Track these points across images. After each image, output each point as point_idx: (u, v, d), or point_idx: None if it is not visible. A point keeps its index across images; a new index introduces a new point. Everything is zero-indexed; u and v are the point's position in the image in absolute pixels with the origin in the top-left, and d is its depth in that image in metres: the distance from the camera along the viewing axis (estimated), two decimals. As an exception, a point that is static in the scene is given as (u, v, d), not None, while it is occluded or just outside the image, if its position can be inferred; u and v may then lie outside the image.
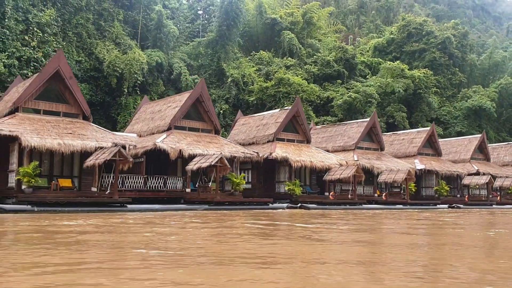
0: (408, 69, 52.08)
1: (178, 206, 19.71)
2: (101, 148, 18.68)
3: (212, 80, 44.07)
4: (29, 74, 30.93)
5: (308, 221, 13.69)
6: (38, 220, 12.38)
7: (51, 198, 16.49)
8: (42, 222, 11.89)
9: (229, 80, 42.27)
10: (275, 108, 42.40)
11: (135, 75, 36.08)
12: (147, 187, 20.88)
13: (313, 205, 23.44)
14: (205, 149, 22.14)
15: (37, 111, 19.59)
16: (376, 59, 57.86)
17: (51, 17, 33.09)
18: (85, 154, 18.94)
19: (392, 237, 9.78)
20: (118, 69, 35.71)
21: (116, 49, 38.11)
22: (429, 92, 52.21)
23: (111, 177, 19.15)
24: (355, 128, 31.64)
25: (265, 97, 43.12)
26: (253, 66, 46.75)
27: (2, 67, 28.63)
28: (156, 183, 21.37)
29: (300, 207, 22.80)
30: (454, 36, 60.95)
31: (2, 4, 29.77)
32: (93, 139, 19.10)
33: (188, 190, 22.03)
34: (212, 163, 19.89)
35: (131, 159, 17.96)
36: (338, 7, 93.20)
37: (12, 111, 18.94)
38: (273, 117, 28.29)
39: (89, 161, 17.93)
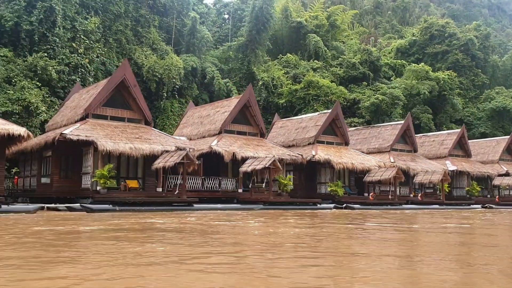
0: (432, 71, 52.83)
1: (234, 206, 20.98)
2: (167, 151, 20.05)
3: (242, 84, 45.35)
4: (77, 80, 32.51)
5: (376, 221, 14.83)
6: (132, 218, 13.67)
7: (130, 198, 17.88)
8: (138, 219, 13.17)
9: (260, 83, 43.51)
10: (305, 110, 43.70)
11: (174, 80, 37.51)
12: (204, 188, 22.19)
13: (357, 205, 24.56)
14: (255, 152, 23.40)
15: (104, 117, 21.03)
16: (399, 61, 58.65)
17: (96, 25, 34.63)
18: (149, 156, 20.29)
19: (485, 238, 10.78)
20: (157, 74, 37.18)
21: (153, 54, 39.58)
22: (453, 93, 52.91)
23: (174, 178, 20.49)
24: (390, 130, 32.64)
25: (295, 100, 44.29)
26: (281, 69, 47.94)
27: (54, 74, 30.18)
28: (212, 184, 22.70)
29: (345, 208, 23.94)
30: (476, 37, 61.46)
31: (52, 13, 31.32)
32: (158, 143, 20.47)
33: (240, 190, 23.33)
34: (266, 165, 21.12)
35: (197, 162, 19.29)
36: (354, 8, 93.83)
37: (83, 117, 20.37)
38: (312, 120, 29.43)
39: (158, 164, 19.28)
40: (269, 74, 45.49)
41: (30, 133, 17.66)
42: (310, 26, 54.19)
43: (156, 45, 41.06)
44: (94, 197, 18.27)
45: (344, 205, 24.12)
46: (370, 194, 27.53)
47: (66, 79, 31.60)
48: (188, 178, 21.44)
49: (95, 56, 34.44)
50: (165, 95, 37.67)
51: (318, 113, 31.15)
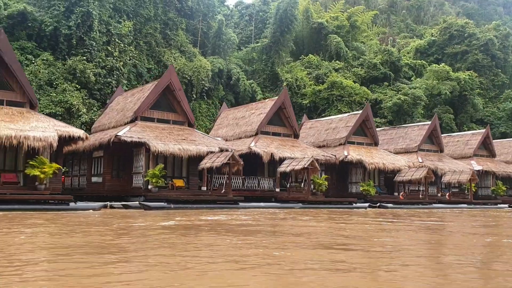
0: (451, 71, 53.16)
1: (274, 204, 21.85)
2: (211, 152, 21.00)
3: (266, 84, 46.25)
4: (113, 83, 33.68)
5: (421, 219, 15.60)
6: (191, 215, 14.59)
7: (184, 196, 18.87)
8: (199, 216, 14.08)
9: (284, 84, 44.30)
10: (328, 111, 44.44)
11: (203, 82, 38.49)
12: (244, 187, 23.11)
13: (390, 204, 25.29)
14: (291, 153, 24.26)
15: (151, 120, 22.06)
16: (419, 61, 58.98)
17: (129, 29, 35.74)
18: (194, 157, 21.25)
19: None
20: (186, 76, 38.17)
21: (181, 56, 40.60)
22: (473, 93, 53.19)
23: (217, 177, 21.43)
24: (417, 131, 33.26)
25: (318, 100, 45.02)
26: (303, 70, 48.69)
27: (92, 76, 31.34)
28: (252, 183, 23.62)
29: (379, 207, 24.69)
30: (496, 37, 61.54)
31: (89, 18, 32.47)
32: (203, 144, 21.44)
33: (277, 190, 24.21)
34: (305, 166, 21.96)
35: (241, 162, 20.19)
36: (368, 7, 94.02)
37: (133, 120, 21.41)
38: (342, 121, 30.18)
39: (205, 164, 20.23)
40: (293, 75, 46.28)
41: (87, 134, 18.71)
42: (331, 27, 54.81)
43: (184, 48, 42.05)
44: (147, 195, 19.28)
45: (377, 204, 24.86)
46: (401, 194, 28.22)
47: (102, 81, 32.77)
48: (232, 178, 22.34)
49: (128, 59, 35.56)
50: (194, 96, 38.66)
51: (347, 114, 31.88)
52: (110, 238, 7.93)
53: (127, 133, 19.69)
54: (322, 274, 4.91)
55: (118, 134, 19.38)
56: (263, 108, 26.36)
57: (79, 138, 18.21)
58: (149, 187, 19.67)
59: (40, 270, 4.92)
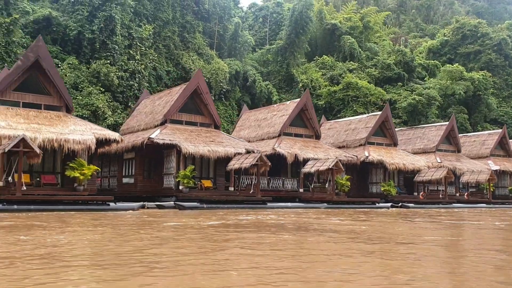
0: (465, 71, 53.29)
1: (300, 204, 22.33)
2: (239, 153, 21.56)
3: (281, 86, 46.75)
4: (135, 85, 34.40)
5: (453, 218, 16.04)
6: (228, 214, 15.17)
7: (215, 197, 19.47)
8: (236, 216, 14.65)
9: (300, 85, 44.77)
10: (344, 111, 44.86)
11: (221, 84, 39.09)
12: (270, 187, 23.65)
13: (411, 204, 25.69)
14: (315, 154, 24.75)
15: (180, 122, 22.68)
16: (432, 61, 59.11)
17: (149, 32, 36.45)
18: (223, 158, 21.82)
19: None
20: (205, 78, 38.70)
21: (199, 59, 41.23)
22: (487, 93, 53.27)
23: (244, 178, 21.98)
24: (434, 131, 33.59)
25: (333, 101, 45.42)
26: (318, 71, 49.12)
27: (116, 79, 32.06)
28: (276, 183, 24.15)
29: (401, 206, 25.10)
30: (509, 37, 61.50)
31: (111, 22, 33.19)
32: (231, 146, 22.01)
33: (301, 190, 24.72)
34: (330, 166, 22.44)
35: (269, 163, 20.73)
36: (378, 6, 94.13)
37: (163, 123, 22.03)
38: (362, 122, 30.60)
39: (234, 165, 20.79)
40: (308, 76, 46.73)
41: (122, 137, 19.35)
42: (344, 28, 55.15)
43: (201, 50, 42.69)
44: (178, 196, 19.89)
45: (399, 204, 25.28)
46: (420, 194, 28.60)
47: (125, 84, 33.49)
48: (255, 179, 22.89)
49: (148, 62, 36.25)
50: (213, 98, 39.16)
51: (366, 115, 32.30)
52: (193, 236, 8.51)
53: (159, 136, 20.32)
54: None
55: (151, 136, 20.02)
56: (285, 110, 26.87)
57: (115, 140, 18.86)
58: (180, 187, 20.28)
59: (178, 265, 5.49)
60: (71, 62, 30.98)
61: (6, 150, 14.39)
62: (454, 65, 53.34)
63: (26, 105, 18.51)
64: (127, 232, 9.07)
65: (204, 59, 41.73)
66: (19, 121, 17.19)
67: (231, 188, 22.20)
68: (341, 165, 22.98)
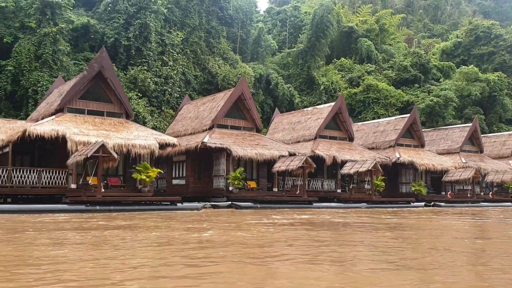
0: (479, 73, 54.37)
1: (341, 205, 23.46)
2: (283, 156, 22.78)
3: (302, 88, 47.91)
4: (168, 90, 35.67)
5: (496, 215, 17.21)
6: (287, 214, 16.37)
7: (268, 197, 20.71)
8: (297, 215, 15.84)
9: (321, 88, 45.96)
10: (364, 113, 46.08)
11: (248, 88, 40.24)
12: (310, 188, 24.84)
13: (442, 203, 26.85)
14: (351, 155, 25.94)
15: (225, 127, 23.92)
16: (447, 63, 60.18)
17: (180, 38, 37.72)
18: (267, 160, 23.00)
19: None
20: (231, 82, 40.00)
21: (224, 64, 42.46)
22: (502, 94, 54.32)
23: (286, 179, 23.21)
24: (458, 133, 34.73)
25: (354, 103, 46.60)
26: (337, 73, 50.30)
27: (152, 85, 33.35)
28: (316, 184, 25.36)
29: (433, 205, 26.26)
30: (523, 37, 62.45)
31: (146, 29, 34.46)
32: (274, 148, 23.23)
33: (339, 190, 25.93)
34: (369, 168, 23.62)
35: (314, 165, 21.94)
36: (385, 7, 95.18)
37: (211, 127, 23.28)
38: (390, 124, 31.76)
39: (280, 167, 22.00)
40: (328, 78, 47.90)
41: (178, 142, 20.59)
42: (361, 30, 56.33)
43: (226, 55, 43.90)
44: (229, 196, 21.14)
45: (432, 203, 26.44)
46: (448, 193, 29.74)
47: (159, 89, 34.77)
48: (299, 180, 24.10)
49: (179, 67, 37.51)
50: (240, 101, 40.44)
51: (395, 117, 33.45)
52: (301, 233, 9.73)
53: (210, 140, 21.56)
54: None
55: (204, 141, 21.25)
56: (320, 113, 28.06)
57: (173, 145, 20.12)
58: (230, 188, 21.52)
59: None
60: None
61: (89, 155, 15.64)
62: (470, 67, 54.40)
63: (90, 112, 19.78)
64: (250, 228, 10.29)
65: (230, 63, 42.94)
66: (89, 128, 18.45)
67: (275, 189, 23.42)
68: (379, 166, 24.15)
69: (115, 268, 5.26)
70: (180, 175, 23.63)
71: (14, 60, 27.17)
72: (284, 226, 11.57)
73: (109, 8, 33.99)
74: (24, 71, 27.16)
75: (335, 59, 53.51)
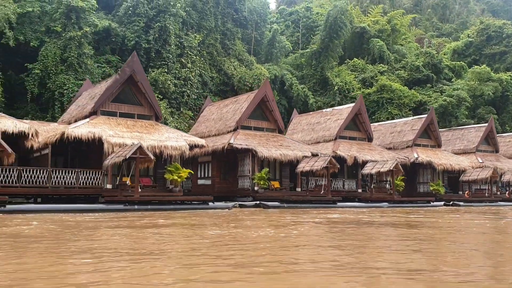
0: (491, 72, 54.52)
1: (364, 204, 23.86)
2: (306, 156, 23.28)
3: (316, 89, 48.36)
4: (187, 92, 36.30)
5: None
6: (316, 213, 16.87)
7: (295, 197, 21.24)
8: (323, 215, 16.33)
9: (336, 88, 46.38)
10: (378, 113, 46.43)
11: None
12: (332, 188, 25.30)
13: (461, 202, 27.23)
14: (371, 156, 26.39)
15: (249, 128, 24.47)
16: (458, 62, 60.34)
17: (198, 41, 38.33)
18: (291, 161, 23.51)
19: None
20: (247, 83, 40.58)
21: (240, 65, 43.01)
22: (515, 93, 54.43)
23: (309, 179, 23.71)
24: (473, 133, 35.05)
25: (368, 103, 46.83)
26: (350, 74, 50.69)
27: (172, 87, 33.98)
28: (337, 184, 25.85)
29: (452, 205, 26.65)
30: (535, 37, 62.45)
31: (165, 32, 35.09)
32: (298, 149, 23.74)
33: (359, 190, 26.39)
34: (391, 168, 24.06)
35: (338, 166, 22.43)
36: (393, 6, 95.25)
37: (235, 129, 23.83)
38: (407, 125, 32.16)
39: (304, 167, 22.51)
40: (341, 79, 48.31)
41: (206, 142, 21.16)
42: (373, 31, 56.65)
43: (241, 56, 44.44)
44: (255, 196, 21.68)
45: (451, 203, 26.83)
46: (466, 192, 30.11)
47: (178, 91, 35.40)
48: (322, 180, 24.59)
49: (197, 69, 38.12)
50: (256, 102, 40.96)
51: (411, 118, 33.84)
52: (349, 231, 10.26)
53: (236, 141, 22.12)
54: None
55: (230, 142, 21.81)
56: (339, 114, 28.53)
57: (201, 146, 20.70)
58: (255, 188, 22.07)
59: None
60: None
61: (127, 156, 16.25)
62: (482, 67, 54.56)
63: (122, 115, 20.41)
64: (304, 227, 10.83)
65: (245, 64, 43.48)
66: (122, 130, 19.07)
67: (298, 189, 23.93)
68: (400, 166, 24.59)
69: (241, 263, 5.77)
70: (206, 175, 24.21)
71: (41, 63, 27.88)
72: (336, 224, 12.09)
73: (130, 12, 34.64)
74: (51, 74, 27.87)
75: (347, 59, 53.87)
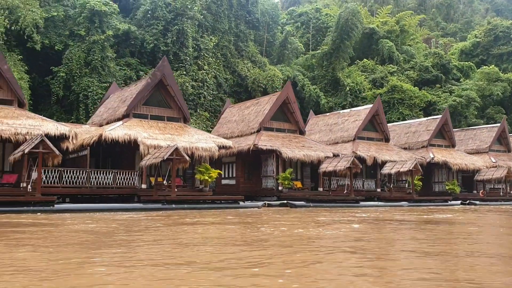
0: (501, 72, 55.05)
1: (385, 203, 24.46)
2: (327, 157, 23.90)
3: (327, 89, 48.97)
4: (204, 93, 36.96)
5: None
6: (347, 212, 17.49)
7: (320, 196, 21.87)
8: (350, 213, 16.94)
9: (347, 89, 46.99)
10: (389, 113, 46.97)
11: (277, 90, 41.40)
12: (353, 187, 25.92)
13: (477, 201, 27.83)
14: (390, 156, 27.00)
15: (271, 129, 25.10)
16: (467, 63, 60.87)
17: (214, 43, 38.98)
18: (314, 162, 24.10)
19: None
20: (261, 84, 41.22)
21: (253, 66, 43.65)
22: (524, 93, 54.93)
23: (329, 179, 24.36)
24: (486, 133, 35.63)
25: (379, 104, 47.48)
26: (361, 74, 51.28)
27: (190, 88, 34.65)
28: (357, 184, 26.47)
29: (469, 204, 27.25)
30: (542, 37, 62.93)
31: (182, 35, 35.75)
32: (319, 150, 24.37)
33: (378, 190, 27.00)
34: (411, 168, 24.66)
35: (360, 166, 23.04)
36: (397, 6, 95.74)
37: (258, 130, 24.47)
38: (422, 125, 32.76)
39: (326, 168, 23.12)
40: (352, 80, 48.91)
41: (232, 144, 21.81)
42: (382, 31, 57.22)
43: (254, 58, 45.09)
44: (279, 195, 22.32)
45: (467, 202, 27.43)
46: (480, 192, 30.69)
47: (195, 93, 36.06)
48: (345, 180, 25.17)
49: (212, 71, 38.76)
50: (270, 103, 41.59)
51: (426, 118, 34.43)
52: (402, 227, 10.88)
53: (260, 142, 22.75)
54: None
55: (256, 143, 22.46)
56: (357, 115, 29.14)
57: (229, 147, 21.36)
58: (280, 188, 22.70)
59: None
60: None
61: (165, 158, 16.90)
62: (490, 67, 55.09)
63: (153, 117, 21.06)
64: (367, 227, 11.46)
65: (258, 66, 44.13)
66: (155, 132, 19.73)
67: (320, 189, 24.56)
68: (419, 166, 25.19)
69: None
70: (230, 176, 24.85)
71: (66, 66, 28.57)
72: (384, 222, 12.72)
73: (148, 15, 35.29)
74: (75, 77, 28.55)
75: (357, 60, 54.45)
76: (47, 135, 16.09)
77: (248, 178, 24.42)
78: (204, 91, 36.80)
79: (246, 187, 24.05)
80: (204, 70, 37.32)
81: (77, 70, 28.55)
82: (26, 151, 14.29)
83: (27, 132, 15.98)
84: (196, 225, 11.10)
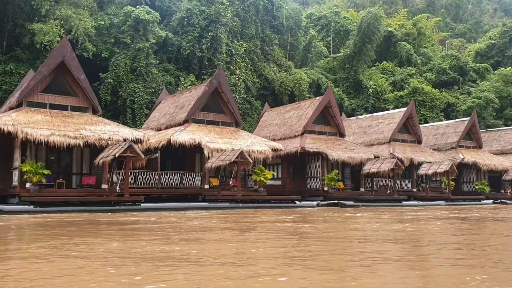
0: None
1: (422, 203, 25.64)
2: (369, 159, 25.18)
3: (349, 92, 50.23)
4: (236, 97, 38.23)
5: None
6: (391, 212, 18.74)
7: (367, 196, 23.19)
8: (404, 213, 18.18)
9: (370, 91, 48.22)
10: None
11: (304, 93, 42.76)
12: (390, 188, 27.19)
13: (508, 200, 29.06)
14: (425, 157, 28.26)
15: (313, 132, 26.40)
16: (483, 64, 61.94)
17: (245, 49, 40.32)
18: (357, 163, 25.35)
19: None
20: (288, 87, 42.54)
21: (279, 70, 44.97)
22: (540, 94, 55.96)
23: (371, 180, 25.64)
24: (510, 134, 36.82)
25: (401, 105, 48.48)
26: (381, 77, 52.51)
27: (224, 93, 35.93)
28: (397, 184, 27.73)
29: (500, 203, 28.48)
30: (557, 38, 63.89)
31: (216, 41, 37.10)
32: (362, 152, 25.64)
33: (414, 190, 28.27)
34: (447, 169, 25.91)
35: (402, 167, 24.32)
36: (406, 6, 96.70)
37: (302, 133, 25.77)
38: (450, 127, 34.00)
39: (370, 169, 24.39)
40: (374, 82, 50.15)
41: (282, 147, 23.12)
42: (399, 34, 58.43)
43: (280, 61, 46.43)
44: (325, 195, 23.61)
45: (498, 201, 28.67)
46: (508, 191, 31.91)
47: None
48: (387, 180, 26.37)
49: (242, 75, 40.09)
50: (297, 106, 42.90)
51: (454, 121, 35.65)
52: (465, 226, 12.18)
53: (307, 145, 24.06)
54: None
55: (303, 146, 23.77)
56: (391, 118, 30.41)
57: (280, 150, 22.69)
58: (325, 188, 24.01)
59: None
60: (192, 80, 34.77)
61: (232, 160, 18.24)
62: (508, 68, 56.16)
63: (209, 122, 22.42)
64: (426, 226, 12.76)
65: (283, 69, 45.45)
66: (215, 136, 21.07)
67: (362, 189, 25.85)
68: (455, 167, 26.44)
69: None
70: (275, 177, 26.15)
71: (113, 73, 29.96)
72: (469, 219, 14.00)
73: (184, 22, 36.63)
74: (122, 83, 29.95)
75: (377, 62, 55.66)
76: (125, 140, 17.44)
77: (293, 179, 25.72)
78: (236, 95, 38.09)
79: (291, 187, 25.34)
80: (236, 74, 38.65)
81: (124, 76, 29.93)
82: (116, 155, 15.64)
83: (109, 138, 17.33)
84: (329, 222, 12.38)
